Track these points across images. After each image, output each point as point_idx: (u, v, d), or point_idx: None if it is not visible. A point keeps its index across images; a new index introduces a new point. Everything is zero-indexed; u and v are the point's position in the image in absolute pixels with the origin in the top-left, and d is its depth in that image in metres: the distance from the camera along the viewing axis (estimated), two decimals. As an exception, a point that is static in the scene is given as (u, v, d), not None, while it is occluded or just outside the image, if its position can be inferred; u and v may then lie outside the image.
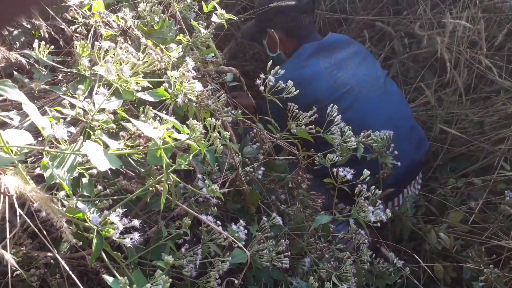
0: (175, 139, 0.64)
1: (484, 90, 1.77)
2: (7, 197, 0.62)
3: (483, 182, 1.55)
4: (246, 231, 0.92)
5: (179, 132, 0.67)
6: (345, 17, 1.98)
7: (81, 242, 0.73)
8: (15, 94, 0.50)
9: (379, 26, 1.92)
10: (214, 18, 0.93)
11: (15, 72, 1.01)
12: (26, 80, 0.99)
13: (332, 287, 0.97)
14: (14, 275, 0.93)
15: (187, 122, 0.62)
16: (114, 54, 0.67)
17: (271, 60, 0.98)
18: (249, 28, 1.65)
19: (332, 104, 1.01)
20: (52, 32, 0.97)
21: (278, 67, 0.94)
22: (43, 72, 0.93)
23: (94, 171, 0.70)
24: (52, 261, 0.96)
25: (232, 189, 1.00)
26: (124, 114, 0.68)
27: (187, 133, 0.62)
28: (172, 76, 0.74)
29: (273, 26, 1.53)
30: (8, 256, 0.45)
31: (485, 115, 1.71)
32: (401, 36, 1.92)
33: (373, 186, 1.01)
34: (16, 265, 0.47)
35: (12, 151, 0.60)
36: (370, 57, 1.55)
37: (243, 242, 0.87)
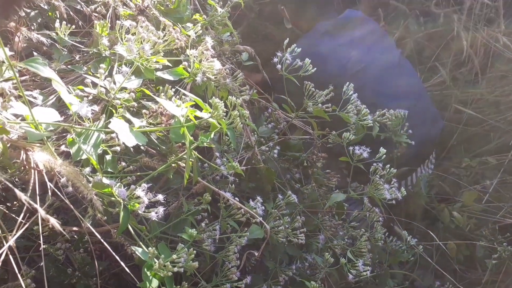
0: (197, 117, 0.65)
1: (500, 69, 1.74)
2: (36, 172, 0.65)
3: (498, 161, 1.55)
4: (263, 207, 0.94)
5: (200, 110, 0.68)
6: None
7: (105, 217, 0.76)
8: (46, 71, 0.52)
9: (393, 4, 1.89)
10: (231, -4, 0.94)
11: (34, 53, 1.03)
12: (46, 61, 1.01)
13: (347, 263, 0.99)
14: (40, 249, 0.97)
15: (209, 100, 0.63)
16: (135, 33, 0.68)
17: (287, 38, 0.98)
18: None
19: (348, 83, 1.01)
20: (71, 13, 0.98)
21: (295, 44, 0.94)
22: (64, 53, 0.95)
23: (117, 148, 0.72)
24: (75, 236, 1.00)
25: (249, 166, 1.01)
26: (148, 92, 0.69)
27: (209, 112, 0.63)
28: (191, 55, 0.75)
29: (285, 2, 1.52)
30: (53, 221, 0.48)
31: (501, 94, 1.69)
32: (416, 15, 1.89)
33: (388, 165, 1.02)
34: (61, 229, 0.49)
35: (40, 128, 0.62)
36: (385, 36, 1.53)
37: (260, 219, 0.89)
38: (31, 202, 0.49)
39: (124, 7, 0.91)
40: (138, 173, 0.74)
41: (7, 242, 0.65)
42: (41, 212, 0.47)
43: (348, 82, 1.02)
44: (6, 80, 0.79)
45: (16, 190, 0.49)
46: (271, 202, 1.06)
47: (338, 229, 1.16)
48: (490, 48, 1.69)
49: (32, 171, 0.63)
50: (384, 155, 0.99)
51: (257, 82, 1.19)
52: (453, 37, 1.71)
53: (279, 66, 0.93)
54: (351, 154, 1.00)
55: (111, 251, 0.61)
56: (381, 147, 1.00)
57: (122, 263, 0.61)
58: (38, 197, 0.63)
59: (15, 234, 0.58)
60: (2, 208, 0.76)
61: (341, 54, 1.40)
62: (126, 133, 0.59)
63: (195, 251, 0.63)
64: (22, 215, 0.60)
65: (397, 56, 1.47)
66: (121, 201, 0.60)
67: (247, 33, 1.92)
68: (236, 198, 0.89)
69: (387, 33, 1.61)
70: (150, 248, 0.58)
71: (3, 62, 0.74)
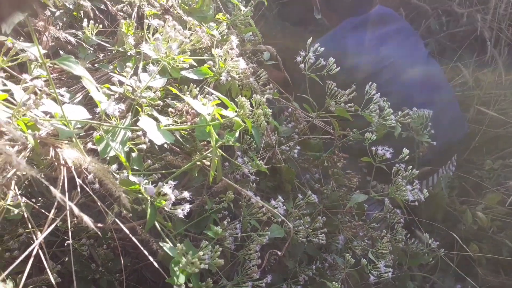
0: (223, 116, 0.65)
1: (525, 69, 1.71)
2: (65, 168, 0.66)
3: (522, 164, 1.52)
4: (284, 207, 0.94)
5: (224, 108, 0.68)
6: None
7: (130, 214, 0.77)
8: (78, 69, 0.53)
9: (415, 3, 1.87)
10: (255, -4, 0.94)
11: (61, 52, 1.05)
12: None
13: (368, 264, 0.98)
14: (65, 244, 0.99)
15: (235, 99, 0.64)
16: (162, 33, 0.69)
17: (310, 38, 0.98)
18: None
19: (370, 82, 1.01)
20: (97, 12, 1.00)
21: (318, 43, 0.94)
22: (89, 51, 0.96)
23: (143, 146, 0.73)
24: (98, 233, 1.02)
25: (270, 166, 1.02)
26: (175, 90, 0.70)
27: (235, 110, 0.64)
28: (216, 54, 0.76)
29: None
30: (86, 218, 0.49)
31: (525, 95, 1.65)
32: (438, 14, 1.87)
33: (410, 166, 1.01)
34: (93, 226, 0.50)
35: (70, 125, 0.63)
36: (414, 35, 1.52)
37: (283, 217, 0.89)
38: (65, 200, 0.50)
39: (149, 6, 0.92)
40: (163, 171, 0.75)
41: (36, 237, 0.66)
42: (75, 210, 0.48)
43: (370, 82, 1.01)
44: (35, 77, 0.81)
45: (52, 188, 0.50)
46: (291, 201, 1.06)
47: (358, 230, 1.15)
48: (515, 48, 1.66)
49: (62, 167, 0.64)
50: (407, 156, 0.98)
51: (278, 81, 1.19)
52: (476, 37, 1.69)
53: (302, 65, 0.93)
54: (374, 154, 0.99)
55: (141, 247, 0.62)
56: (404, 148, 0.99)
57: (151, 258, 0.62)
58: (66, 194, 0.64)
59: (45, 230, 0.59)
60: (30, 202, 0.78)
61: (370, 50, 1.39)
62: (154, 132, 0.60)
63: (220, 249, 0.63)
64: (53, 211, 0.61)
65: (425, 56, 1.46)
66: (149, 198, 0.61)
67: (267, 31, 1.92)
68: (258, 197, 0.89)
69: (416, 32, 1.59)
70: (178, 245, 0.59)
71: (34, 60, 0.76)
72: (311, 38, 0.95)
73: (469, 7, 1.74)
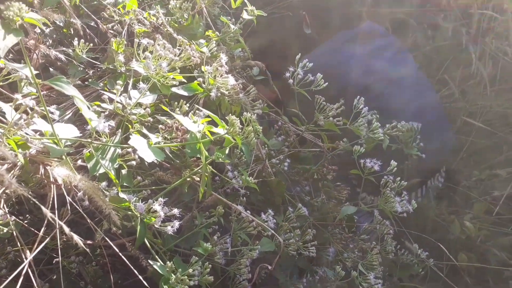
0: (213, 132, 0.66)
1: (509, 81, 1.75)
2: (55, 186, 0.66)
3: (508, 174, 1.54)
4: (274, 220, 0.94)
5: (214, 124, 0.70)
6: (366, 9, 1.97)
7: (120, 230, 0.78)
8: (70, 90, 0.54)
9: (401, 18, 1.91)
10: (244, 15, 0.96)
11: (50, 69, 1.06)
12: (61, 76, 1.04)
13: (359, 276, 0.99)
14: (53, 262, 0.98)
15: (226, 117, 0.65)
16: (152, 51, 0.70)
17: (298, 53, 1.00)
18: None
19: (358, 97, 1.03)
20: (87, 30, 1.01)
21: (306, 59, 0.96)
22: (80, 69, 0.97)
23: (133, 163, 0.74)
24: (87, 250, 1.01)
25: (260, 179, 1.02)
26: (165, 108, 0.71)
27: (225, 128, 0.65)
28: (206, 71, 0.77)
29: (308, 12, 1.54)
30: (77, 238, 0.49)
31: (510, 106, 1.69)
32: (424, 28, 1.91)
33: (398, 177, 1.03)
34: (84, 246, 0.50)
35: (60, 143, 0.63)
36: (403, 50, 1.56)
37: (272, 231, 0.90)
38: (56, 219, 0.50)
39: (139, 24, 0.93)
40: (153, 187, 0.75)
41: (25, 255, 0.66)
42: (66, 230, 0.49)
43: (359, 96, 1.03)
44: (25, 95, 0.81)
45: (43, 208, 0.50)
46: (281, 214, 1.07)
47: (348, 242, 1.16)
48: (499, 61, 1.70)
49: (51, 185, 0.64)
50: (395, 168, 0.99)
51: (270, 99, 1.21)
52: (461, 50, 1.73)
53: (291, 81, 0.94)
54: (362, 166, 1.01)
55: (129, 265, 0.62)
56: (392, 160, 1.00)
57: (140, 277, 0.62)
58: (56, 212, 0.64)
59: (35, 249, 0.59)
60: (19, 221, 0.78)
61: (361, 64, 1.42)
62: (144, 149, 0.61)
63: (210, 265, 0.64)
64: (42, 229, 0.61)
65: (414, 70, 1.50)
66: (138, 215, 0.61)
67: (257, 46, 1.94)
68: (248, 211, 0.90)
69: (405, 48, 1.63)
70: (168, 263, 0.59)
71: (24, 78, 0.76)
72: (299, 54, 0.97)
73: (454, 22, 1.79)
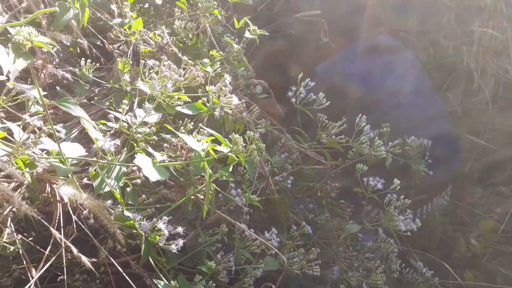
0: (216, 151, 0.67)
1: (511, 99, 1.75)
2: (61, 205, 0.67)
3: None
4: (278, 239, 0.94)
5: (218, 142, 0.70)
6: (367, 28, 2.00)
7: (125, 248, 0.78)
8: (77, 111, 0.55)
9: (403, 36, 1.93)
10: (247, 34, 0.98)
11: (57, 88, 1.08)
12: (67, 95, 1.06)
13: (363, 295, 0.98)
14: (58, 279, 0.98)
15: (229, 136, 0.66)
16: (157, 72, 0.71)
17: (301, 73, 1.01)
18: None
19: (360, 115, 1.03)
20: (93, 49, 1.03)
21: (309, 79, 0.97)
22: (86, 87, 0.99)
23: (138, 181, 0.75)
24: (91, 267, 1.01)
25: (264, 197, 1.03)
26: (170, 127, 0.72)
27: (228, 146, 0.66)
28: (210, 91, 0.78)
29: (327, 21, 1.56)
30: (85, 259, 0.49)
31: (512, 124, 1.70)
32: (426, 46, 1.93)
33: (402, 196, 1.03)
34: (90, 265, 0.51)
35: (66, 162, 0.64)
36: (418, 66, 1.58)
37: (276, 250, 0.90)
38: (63, 238, 0.51)
39: (145, 44, 0.95)
40: (158, 205, 0.76)
41: (31, 274, 0.66)
42: (74, 250, 0.49)
43: (361, 114, 1.04)
44: (32, 115, 0.83)
45: (51, 228, 0.51)
46: (285, 232, 1.07)
47: (352, 260, 1.15)
48: (500, 79, 1.71)
49: (58, 204, 0.65)
50: (398, 186, 1.00)
51: (274, 116, 1.22)
52: (463, 68, 1.74)
53: (293, 100, 0.95)
54: (366, 184, 1.01)
55: (132, 284, 0.62)
56: (395, 178, 1.00)
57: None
58: (62, 230, 0.64)
59: (41, 268, 0.59)
60: (25, 239, 0.78)
61: (378, 75, 1.43)
62: (149, 168, 0.62)
63: (214, 284, 0.64)
64: (49, 247, 0.61)
65: (428, 86, 1.51)
66: (143, 233, 0.62)
67: (260, 64, 1.97)
68: (251, 230, 0.90)
69: (419, 62, 1.64)
70: (172, 282, 0.59)
71: (31, 98, 0.78)
72: (301, 73, 0.99)
73: (455, 40, 1.81)
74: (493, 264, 1.38)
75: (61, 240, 0.52)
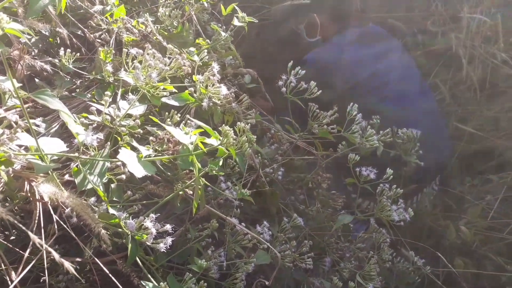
0: (205, 143, 0.64)
1: (499, 85, 1.75)
2: (41, 203, 0.63)
3: (500, 179, 1.54)
4: (270, 232, 0.92)
5: (207, 135, 0.67)
6: (356, 15, 1.97)
7: (110, 247, 0.74)
8: (55, 103, 0.51)
9: (391, 23, 1.91)
10: (235, 22, 0.94)
11: (36, 80, 1.02)
12: (47, 87, 1.01)
13: (356, 287, 0.97)
14: (41, 280, 0.94)
15: (219, 128, 0.62)
16: (141, 61, 0.68)
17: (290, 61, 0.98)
18: (284, 11, 1.59)
19: (352, 103, 1.01)
20: (74, 39, 0.98)
21: (298, 67, 0.94)
22: (66, 79, 0.94)
23: (123, 176, 0.71)
24: (77, 267, 0.97)
25: (254, 190, 1.00)
26: (156, 120, 0.69)
27: (218, 139, 0.62)
28: (197, 81, 0.75)
29: (316, 10, 1.51)
30: (67, 264, 0.46)
31: (500, 111, 1.69)
32: (414, 33, 1.91)
33: (395, 185, 1.01)
34: (75, 272, 0.48)
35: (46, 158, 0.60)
36: (407, 55, 1.56)
37: (268, 244, 0.88)
38: (43, 243, 0.47)
39: (128, 33, 0.90)
40: (144, 201, 0.73)
41: (10, 277, 0.63)
42: (56, 256, 0.46)
43: (352, 103, 1.01)
44: (9, 108, 0.78)
45: (30, 233, 0.47)
46: (276, 225, 1.05)
47: (344, 251, 1.14)
48: (488, 65, 1.71)
49: (37, 203, 0.61)
50: (391, 176, 0.98)
51: (261, 105, 1.19)
52: (451, 54, 1.73)
53: (284, 89, 0.92)
54: (358, 175, 0.99)
55: (118, 284, 0.59)
56: (388, 168, 0.99)
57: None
58: (42, 231, 0.61)
59: (22, 272, 0.56)
60: (2, 241, 0.74)
61: (368, 63, 1.41)
62: (134, 164, 0.58)
63: (205, 284, 0.61)
64: (28, 249, 0.58)
65: (418, 74, 1.49)
66: (129, 232, 0.58)
67: (248, 53, 1.93)
68: (242, 224, 0.87)
69: (409, 51, 1.62)
70: (161, 283, 0.56)
71: (7, 91, 0.73)
72: (291, 61, 0.95)
73: (443, 26, 1.79)
74: (483, 251, 1.39)
75: (41, 246, 0.49)
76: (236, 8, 0.95)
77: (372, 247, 1.15)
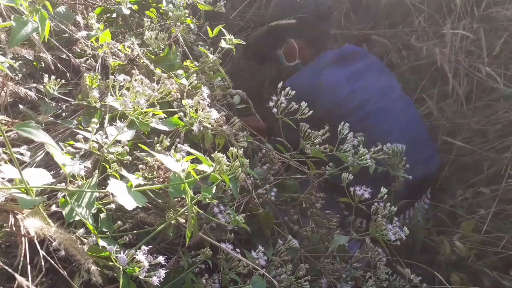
0: (197, 170, 0.62)
1: (484, 98, 1.78)
2: (26, 238, 0.60)
3: (492, 192, 1.55)
4: (265, 257, 0.90)
5: (198, 160, 0.65)
6: (341, 32, 1.99)
7: (100, 281, 0.71)
8: (40, 136, 0.49)
9: (375, 39, 1.93)
10: (223, 44, 0.93)
11: (20, 106, 1.00)
12: (31, 113, 0.98)
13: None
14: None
15: (211, 155, 0.61)
16: (128, 88, 0.66)
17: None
18: (260, 38, 1.60)
19: (343, 122, 1.01)
20: (58, 64, 0.96)
21: (289, 88, 0.94)
22: (52, 104, 0.92)
23: (112, 206, 0.69)
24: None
25: (248, 213, 0.98)
26: (145, 148, 0.66)
27: (210, 165, 0.61)
28: (187, 105, 0.73)
29: (292, 35, 1.51)
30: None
31: (487, 123, 1.71)
32: (399, 48, 1.94)
33: (389, 203, 1.00)
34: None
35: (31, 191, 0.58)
36: (385, 70, 1.56)
37: (264, 271, 0.85)
38: (30, 285, 0.45)
39: (114, 57, 0.89)
40: (135, 231, 0.70)
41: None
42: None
43: (343, 122, 1.01)
44: (-9, 138, 0.75)
45: (17, 276, 0.44)
46: (271, 247, 1.02)
47: (340, 272, 1.12)
48: (473, 78, 1.73)
49: (23, 238, 0.58)
50: (386, 195, 0.97)
51: (257, 130, 1.18)
52: (436, 69, 1.75)
53: (275, 110, 0.91)
54: (352, 194, 0.98)
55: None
56: (382, 187, 0.98)
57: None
58: (28, 267, 0.58)
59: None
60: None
61: (346, 84, 1.40)
62: (124, 195, 0.56)
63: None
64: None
65: (398, 89, 1.50)
66: (121, 266, 0.56)
67: (234, 72, 1.93)
68: (237, 249, 0.85)
69: (387, 68, 1.63)
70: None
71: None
72: (281, 82, 0.95)
73: (427, 41, 1.82)
74: (478, 266, 1.38)
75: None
76: (223, 30, 0.94)
77: (368, 265, 1.13)
